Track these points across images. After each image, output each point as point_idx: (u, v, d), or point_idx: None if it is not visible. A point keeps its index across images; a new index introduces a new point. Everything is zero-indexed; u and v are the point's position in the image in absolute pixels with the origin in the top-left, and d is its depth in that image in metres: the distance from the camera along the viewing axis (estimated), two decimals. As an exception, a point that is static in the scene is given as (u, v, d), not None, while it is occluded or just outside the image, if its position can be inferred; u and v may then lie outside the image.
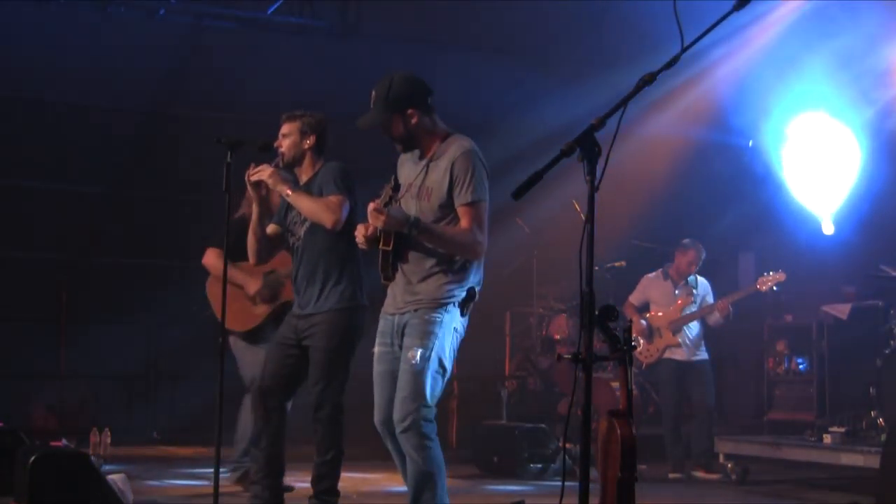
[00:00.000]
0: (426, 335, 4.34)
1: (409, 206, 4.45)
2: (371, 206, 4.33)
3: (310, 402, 5.29)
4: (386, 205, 4.32)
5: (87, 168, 10.74)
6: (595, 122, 3.23)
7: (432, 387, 4.34)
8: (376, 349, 4.54)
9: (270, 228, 5.49)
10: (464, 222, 4.38)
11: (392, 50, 10.30)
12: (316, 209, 5.22)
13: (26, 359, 10.47)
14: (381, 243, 4.40)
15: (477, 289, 4.50)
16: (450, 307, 4.39)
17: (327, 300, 5.29)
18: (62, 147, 10.40)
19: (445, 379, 4.44)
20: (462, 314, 4.45)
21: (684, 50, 3.23)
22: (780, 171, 9.84)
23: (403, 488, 6.91)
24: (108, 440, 7.83)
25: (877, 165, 9.09)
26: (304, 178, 5.44)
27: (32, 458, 4.85)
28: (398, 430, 4.33)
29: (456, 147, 4.44)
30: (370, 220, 4.35)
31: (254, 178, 5.27)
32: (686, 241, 8.55)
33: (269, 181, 5.25)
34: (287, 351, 5.35)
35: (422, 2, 9.74)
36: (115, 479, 5.47)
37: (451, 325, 4.41)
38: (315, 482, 5.31)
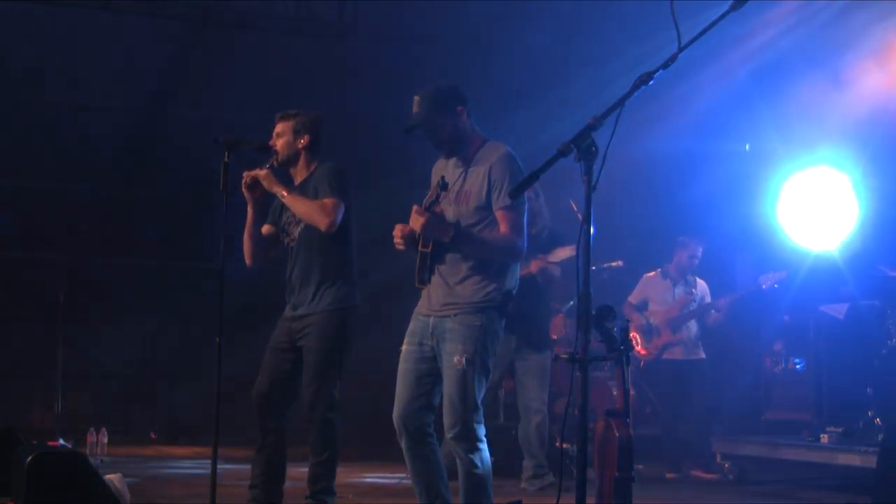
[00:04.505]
0: (469, 339, 4.37)
1: (448, 210, 4.48)
2: (414, 208, 4.36)
3: (304, 402, 5.29)
4: (431, 204, 4.33)
5: (86, 168, 10.74)
6: (592, 121, 3.23)
7: (479, 389, 4.39)
8: (404, 347, 4.56)
9: (265, 229, 5.49)
10: (502, 227, 4.41)
11: (390, 50, 10.30)
12: (310, 212, 5.22)
13: (23, 358, 10.47)
14: (419, 245, 4.42)
15: (514, 291, 4.53)
16: (489, 310, 4.41)
17: (321, 301, 5.29)
18: (62, 147, 10.40)
19: (488, 380, 4.48)
20: (500, 316, 4.47)
21: (681, 49, 3.23)
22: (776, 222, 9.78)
23: (398, 486, 6.93)
24: (106, 440, 7.84)
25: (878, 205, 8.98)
26: (298, 178, 5.44)
27: (29, 458, 4.84)
28: (449, 435, 4.37)
29: (494, 152, 4.47)
30: (411, 222, 4.37)
31: (250, 180, 5.28)
32: (682, 237, 8.63)
33: (265, 182, 5.25)
34: (282, 356, 5.34)
35: (421, 1, 9.74)
36: (112, 478, 5.47)
37: (492, 328, 4.43)
38: (311, 482, 5.31)
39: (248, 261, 5.48)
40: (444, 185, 4.35)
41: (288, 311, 5.40)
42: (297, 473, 5.59)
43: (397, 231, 4.51)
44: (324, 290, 5.29)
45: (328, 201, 5.22)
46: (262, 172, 5.26)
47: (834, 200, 9.26)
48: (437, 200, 4.34)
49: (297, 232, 5.38)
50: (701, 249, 8.58)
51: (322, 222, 5.19)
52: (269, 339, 5.46)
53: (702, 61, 8.70)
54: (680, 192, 10.68)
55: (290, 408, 5.39)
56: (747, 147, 10.32)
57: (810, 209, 9.44)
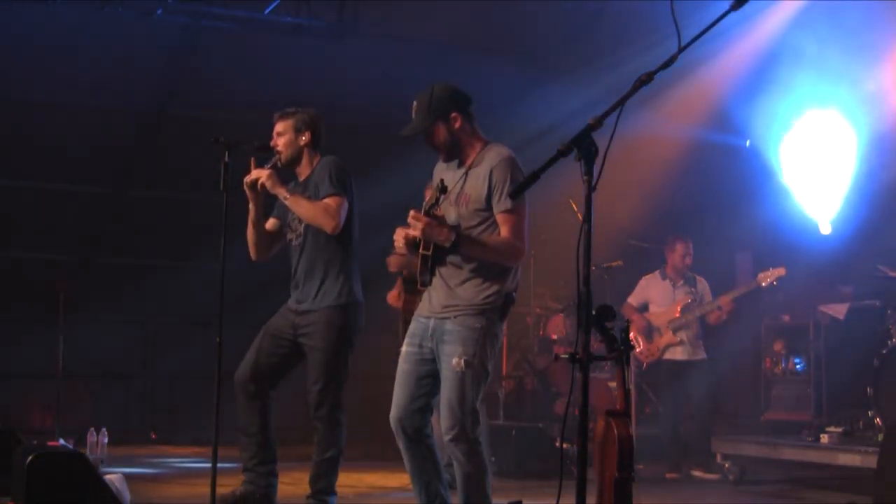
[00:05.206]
0: (469, 341, 4.35)
1: (448, 212, 4.47)
2: (411, 213, 4.35)
3: (309, 401, 5.29)
4: (431, 207, 4.32)
5: (87, 168, 10.74)
6: (592, 121, 3.22)
7: (477, 392, 4.38)
8: (404, 348, 4.55)
9: (270, 223, 5.51)
10: (504, 230, 4.40)
11: (390, 50, 10.30)
12: (315, 214, 5.22)
13: (23, 358, 10.47)
14: (420, 248, 4.41)
15: (515, 294, 4.52)
16: (489, 312, 4.40)
17: (325, 297, 5.29)
18: (62, 147, 10.40)
19: (486, 383, 4.46)
20: (500, 319, 4.46)
21: (681, 50, 3.22)
22: (779, 168, 9.82)
23: (398, 485, 6.93)
24: (106, 440, 7.83)
25: (873, 167, 9.09)
26: (302, 176, 5.44)
27: (30, 458, 4.84)
28: (447, 437, 4.36)
29: (495, 154, 4.46)
30: (411, 226, 4.36)
31: (251, 180, 5.27)
32: (669, 237, 8.63)
33: (268, 184, 5.24)
34: (279, 342, 5.37)
35: (420, 2, 9.75)
36: (113, 478, 5.47)
37: (492, 331, 4.42)
38: (313, 481, 5.32)
39: (253, 256, 5.51)
40: (443, 189, 4.34)
41: (292, 304, 5.42)
42: (301, 474, 5.59)
43: (398, 235, 4.50)
44: (327, 286, 5.30)
45: (331, 202, 5.22)
46: (264, 173, 5.25)
47: (835, 152, 9.31)
48: (436, 204, 4.33)
49: (301, 228, 5.39)
50: (691, 245, 8.57)
51: (327, 225, 5.20)
52: (267, 323, 5.46)
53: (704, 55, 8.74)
54: (679, 191, 10.70)
55: (273, 391, 5.40)
56: (748, 143, 10.32)
57: (813, 157, 9.49)
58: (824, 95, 9.22)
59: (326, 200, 5.24)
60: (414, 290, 6.48)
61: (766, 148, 9.95)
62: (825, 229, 9.54)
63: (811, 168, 9.61)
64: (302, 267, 5.38)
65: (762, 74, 9.60)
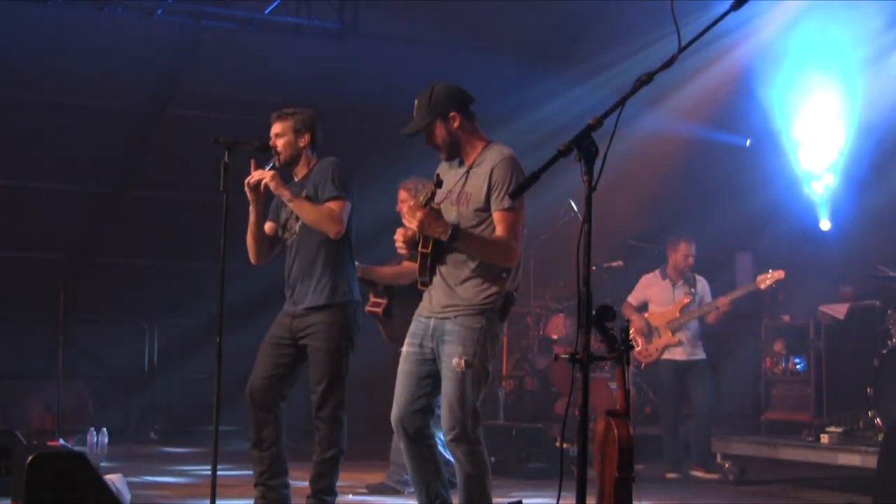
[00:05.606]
0: (469, 341, 4.33)
1: (449, 211, 4.44)
2: (408, 206, 4.33)
3: (311, 401, 5.27)
4: (428, 202, 4.30)
5: (87, 168, 10.75)
6: (592, 121, 3.22)
7: (478, 392, 4.36)
8: (405, 349, 4.53)
9: (268, 226, 5.47)
10: (499, 229, 4.38)
11: (390, 49, 10.31)
12: (318, 218, 5.20)
13: (23, 358, 10.47)
14: (419, 246, 4.39)
15: (515, 294, 4.50)
16: (489, 313, 4.38)
17: (322, 296, 5.26)
18: (62, 147, 10.41)
19: (487, 383, 4.45)
20: (501, 319, 4.45)
21: (681, 50, 3.22)
22: (790, 154, 9.83)
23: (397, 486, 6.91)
24: (106, 440, 7.83)
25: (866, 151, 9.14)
26: (298, 176, 5.42)
27: (30, 458, 4.83)
28: (447, 437, 4.35)
29: (496, 154, 4.45)
30: (406, 220, 4.35)
31: (254, 181, 5.25)
32: (671, 237, 8.61)
33: (271, 184, 5.22)
34: (281, 350, 5.32)
35: (420, 1, 9.76)
36: (113, 478, 5.47)
37: (493, 331, 4.40)
38: (313, 481, 5.30)
39: (252, 260, 5.46)
40: (439, 184, 4.33)
41: (288, 307, 5.38)
42: (301, 473, 5.58)
43: (398, 235, 4.49)
44: (324, 285, 5.27)
45: (335, 207, 5.19)
46: (267, 174, 5.22)
47: (832, 133, 9.37)
48: (432, 198, 4.32)
49: (297, 227, 5.37)
50: (694, 247, 8.56)
51: (332, 230, 5.18)
52: (266, 336, 5.44)
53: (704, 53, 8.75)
54: (679, 191, 10.70)
55: (284, 402, 5.38)
56: (748, 143, 10.33)
57: (814, 138, 9.59)
58: (826, 74, 9.23)
59: (330, 204, 5.22)
60: (376, 291, 6.63)
61: (770, 138, 9.95)
62: (825, 226, 9.55)
63: (813, 149, 9.64)
64: (297, 267, 5.35)
65: (763, 68, 9.61)
